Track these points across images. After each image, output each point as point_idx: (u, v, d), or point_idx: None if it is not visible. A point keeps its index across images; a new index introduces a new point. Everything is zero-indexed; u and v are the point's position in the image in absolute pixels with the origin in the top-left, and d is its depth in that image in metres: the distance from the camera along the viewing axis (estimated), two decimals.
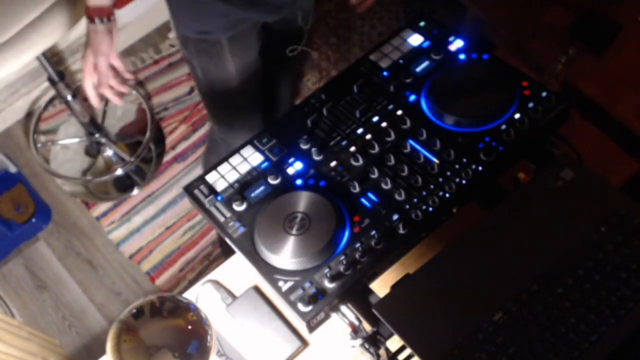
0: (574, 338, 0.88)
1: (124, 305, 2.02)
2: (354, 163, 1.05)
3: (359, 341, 0.96)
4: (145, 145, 2.23)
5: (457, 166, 1.02)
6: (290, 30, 1.42)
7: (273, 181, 1.05)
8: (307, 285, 0.95)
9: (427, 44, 1.18)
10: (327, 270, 0.95)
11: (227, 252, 1.84)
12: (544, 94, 1.06)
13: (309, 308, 0.93)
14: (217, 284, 1.14)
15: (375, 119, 1.10)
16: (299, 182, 1.05)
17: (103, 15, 1.26)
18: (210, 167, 1.09)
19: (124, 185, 2.26)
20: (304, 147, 1.09)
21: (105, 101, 2.37)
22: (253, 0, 1.28)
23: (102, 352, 0.97)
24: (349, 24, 2.45)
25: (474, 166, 1.01)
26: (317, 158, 1.07)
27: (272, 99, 1.87)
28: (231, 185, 1.07)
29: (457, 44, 1.16)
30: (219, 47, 1.36)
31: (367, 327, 0.96)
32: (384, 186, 1.02)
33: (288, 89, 1.88)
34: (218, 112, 1.61)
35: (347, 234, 0.98)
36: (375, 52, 1.19)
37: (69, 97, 2.03)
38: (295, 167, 1.07)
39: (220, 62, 1.40)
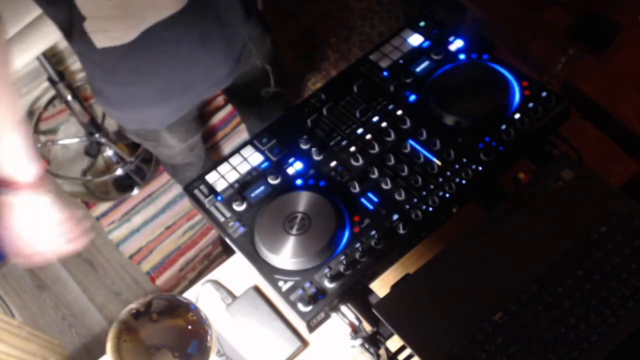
0: (574, 338, 0.88)
1: (124, 305, 2.01)
2: (354, 163, 1.05)
3: (359, 341, 0.96)
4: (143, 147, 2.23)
5: (457, 166, 1.02)
6: (255, 77, 1.35)
7: (273, 181, 1.05)
8: (307, 285, 0.95)
9: (427, 44, 1.18)
10: (327, 270, 0.95)
11: (228, 251, 1.84)
12: (544, 94, 1.06)
13: (309, 308, 0.93)
14: (217, 284, 1.14)
15: (375, 119, 1.10)
16: (299, 182, 1.05)
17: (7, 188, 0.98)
18: (210, 167, 1.09)
19: (124, 185, 2.26)
20: (304, 147, 1.09)
21: None
22: (186, 89, 1.22)
23: (102, 352, 0.97)
24: (349, 24, 2.45)
25: (474, 166, 1.01)
26: (317, 158, 1.07)
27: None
28: (231, 185, 1.07)
29: (457, 44, 1.16)
30: (163, 140, 1.35)
31: (367, 327, 0.96)
32: (384, 186, 1.02)
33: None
34: (159, 155, 1.54)
35: (347, 234, 0.98)
36: (375, 52, 1.19)
37: (69, 97, 2.03)
38: (295, 167, 1.07)
39: (160, 140, 1.38)
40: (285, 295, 0.95)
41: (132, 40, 1.06)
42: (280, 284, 0.96)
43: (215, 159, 2.17)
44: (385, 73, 1.15)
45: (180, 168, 1.60)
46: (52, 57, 2.30)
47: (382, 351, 0.96)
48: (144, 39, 1.06)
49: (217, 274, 1.16)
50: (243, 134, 2.30)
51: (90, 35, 1.05)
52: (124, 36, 1.05)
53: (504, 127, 1.04)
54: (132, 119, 1.28)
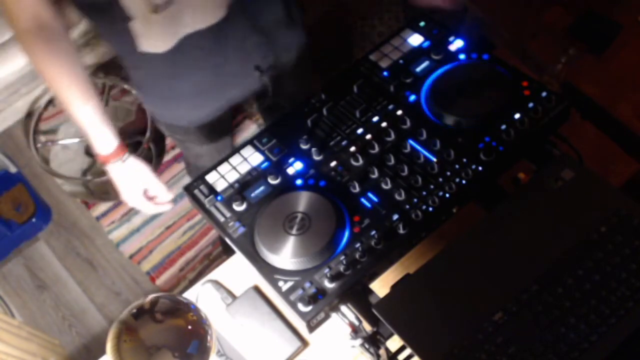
0: (574, 338, 0.88)
1: (124, 305, 2.02)
2: (354, 163, 1.05)
3: (359, 341, 0.96)
4: (145, 145, 2.23)
5: (457, 166, 1.02)
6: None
7: (273, 181, 1.05)
8: (307, 285, 0.95)
9: (427, 44, 1.18)
10: (327, 270, 0.95)
11: (228, 251, 1.84)
12: (544, 94, 1.06)
13: (309, 308, 0.93)
14: (217, 284, 1.14)
15: (375, 119, 1.10)
16: (299, 182, 1.05)
17: (115, 159, 1.19)
18: (210, 167, 1.09)
19: None
20: (304, 147, 1.09)
21: (105, 101, 2.37)
22: (218, 95, 1.26)
23: (102, 352, 0.97)
24: (349, 24, 2.45)
25: (474, 166, 1.01)
26: (317, 158, 1.07)
27: None
28: (231, 185, 1.07)
29: (457, 44, 1.16)
30: (193, 135, 1.38)
31: (367, 327, 0.96)
32: (384, 186, 1.02)
33: None
34: (187, 153, 1.58)
35: (347, 234, 0.98)
36: (375, 52, 1.19)
37: None
38: (295, 167, 1.07)
39: (193, 143, 1.42)
40: (285, 295, 0.95)
41: (169, 48, 1.09)
42: (280, 284, 0.96)
43: None
44: (385, 73, 1.15)
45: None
46: None
47: (382, 351, 0.96)
48: (180, 46, 1.09)
49: (217, 274, 1.16)
50: (244, 134, 2.30)
51: (134, 36, 1.07)
52: (163, 44, 1.08)
53: (504, 127, 1.04)
54: (165, 114, 1.32)
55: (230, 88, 1.25)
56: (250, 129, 2.31)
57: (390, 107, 1.11)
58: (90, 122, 1.14)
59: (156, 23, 1.04)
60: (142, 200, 1.26)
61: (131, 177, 1.23)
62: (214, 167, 1.09)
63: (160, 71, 1.16)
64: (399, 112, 1.10)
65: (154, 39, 1.07)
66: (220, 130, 1.41)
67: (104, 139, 1.17)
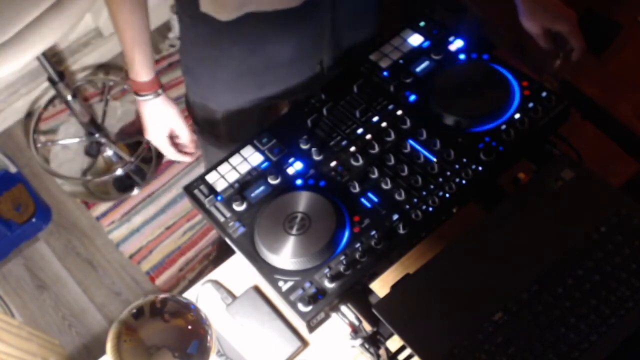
0: (574, 338, 0.88)
1: (124, 305, 2.02)
2: (354, 163, 1.05)
3: (359, 341, 0.96)
4: (145, 145, 2.23)
5: (457, 166, 1.02)
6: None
7: (273, 181, 1.05)
8: (307, 285, 0.95)
9: (427, 44, 1.18)
10: (327, 270, 0.95)
11: (225, 254, 1.83)
12: (544, 94, 1.06)
13: (309, 308, 0.93)
14: (217, 284, 1.14)
15: (375, 119, 1.10)
16: (299, 182, 1.05)
17: (150, 90, 1.21)
18: (210, 167, 1.09)
19: (124, 185, 2.26)
20: (304, 147, 1.09)
21: (105, 101, 2.37)
22: (258, 87, 1.26)
23: (102, 352, 0.97)
24: None
25: (474, 166, 1.01)
26: (317, 158, 1.07)
27: None
28: (231, 185, 1.07)
29: (457, 44, 1.16)
30: (214, 121, 1.37)
31: (367, 327, 0.96)
32: (384, 186, 1.02)
33: None
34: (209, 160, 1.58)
35: (347, 234, 0.98)
36: (375, 52, 1.19)
37: (69, 97, 2.03)
38: (295, 167, 1.07)
39: (214, 132, 1.41)
40: (285, 295, 0.95)
41: (231, 19, 1.09)
42: (280, 284, 0.96)
43: None
44: (385, 73, 1.15)
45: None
46: (52, 57, 2.30)
47: (382, 351, 0.96)
48: (240, 20, 1.09)
49: (217, 274, 1.16)
50: None
51: None
52: (225, 12, 1.08)
53: (504, 127, 1.04)
54: (207, 94, 1.32)
55: (272, 84, 1.24)
56: None
57: (390, 107, 1.11)
58: (140, 39, 1.14)
59: None
60: (166, 142, 1.27)
61: (160, 114, 1.23)
62: (214, 167, 1.09)
63: (216, 40, 1.16)
64: (399, 112, 1.10)
65: (218, 3, 1.07)
66: (247, 130, 1.38)
67: (147, 63, 1.17)
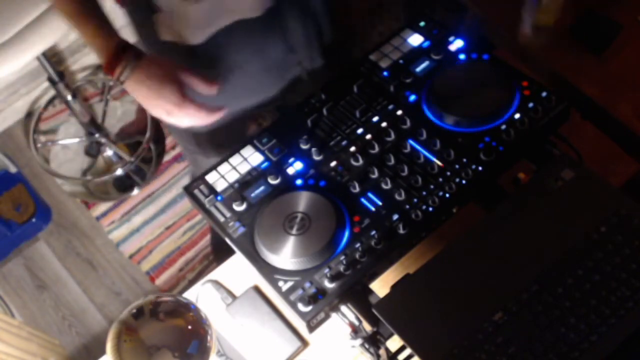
0: (574, 338, 0.88)
1: (124, 305, 2.02)
2: (354, 163, 1.05)
3: (359, 341, 0.96)
4: (145, 145, 2.23)
5: (457, 166, 1.02)
6: None
7: (273, 181, 1.05)
8: (307, 285, 0.95)
9: (427, 44, 1.18)
10: (327, 270, 0.95)
11: (220, 257, 1.83)
12: (544, 94, 1.06)
13: (309, 308, 0.93)
14: (217, 284, 1.14)
15: (375, 119, 1.10)
16: (299, 182, 1.05)
17: (117, 70, 1.01)
18: (210, 167, 1.09)
19: (124, 185, 2.26)
20: (304, 147, 1.09)
21: (105, 101, 2.37)
22: (231, 102, 1.16)
23: (102, 352, 0.97)
24: (349, 24, 2.45)
25: (474, 166, 1.01)
26: (317, 158, 1.07)
27: None
28: (231, 185, 1.07)
29: (457, 44, 1.16)
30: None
31: (367, 327, 0.96)
32: (384, 186, 1.02)
33: None
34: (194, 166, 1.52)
35: (347, 234, 0.98)
36: (375, 52, 1.19)
37: (69, 97, 2.03)
38: (295, 167, 1.07)
39: (200, 156, 1.39)
40: (285, 295, 0.95)
41: (198, 43, 1.05)
42: (280, 284, 0.96)
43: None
44: (385, 73, 1.15)
45: None
46: (52, 57, 2.30)
47: (382, 351, 0.96)
48: (207, 44, 1.06)
49: (217, 274, 1.16)
50: None
51: (158, 27, 1.05)
52: (193, 37, 1.04)
53: (504, 127, 1.04)
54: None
55: (246, 97, 1.21)
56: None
57: (390, 107, 1.11)
58: (98, 26, 1.00)
59: (194, 12, 0.99)
60: (185, 105, 1.02)
61: (155, 79, 1.00)
62: (214, 167, 1.09)
63: (185, 63, 1.06)
64: (399, 112, 1.10)
65: (182, 30, 1.03)
66: (233, 140, 1.35)
67: (108, 44, 1.00)
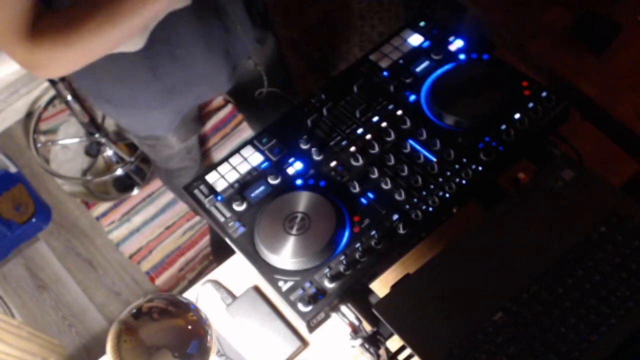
0: (574, 338, 0.88)
1: (124, 305, 2.02)
2: (354, 163, 1.05)
3: (359, 341, 0.96)
4: None
5: (457, 166, 1.02)
6: (251, 77, 1.32)
7: (273, 181, 1.05)
8: (307, 285, 0.95)
9: (427, 44, 1.18)
10: (327, 270, 0.95)
11: (220, 257, 1.83)
12: (544, 94, 1.06)
13: (309, 308, 0.93)
14: (217, 284, 1.14)
15: (375, 119, 1.10)
16: (299, 182, 1.05)
17: None
18: (210, 167, 1.09)
19: (124, 185, 2.26)
20: (304, 147, 1.09)
21: None
22: (186, 92, 1.21)
23: (102, 352, 0.97)
24: (349, 24, 2.45)
25: (474, 166, 1.01)
26: (317, 158, 1.07)
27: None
28: (231, 185, 1.07)
29: (457, 44, 1.16)
30: (164, 140, 1.36)
31: (367, 327, 0.96)
32: (384, 186, 1.02)
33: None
34: (155, 157, 1.54)
35: (347, 234, 0.98)
36: (375, 52, 1.19)
37: (69, 97, 2.03)
38: (295, 167, 1.07)
39: (161, 140, 1.39)
40: (285, 295, 0.95)
41: (141, 48, 1.04)
42: (280, 284, 0.96)
43: (214, 159, 2.18)
44: (385, 73, 1.15)
45: (175, 173, 1.60)
46: None
47: (382, 351, 0.96)
48: (151, 44, 1.04)
49: (217, 274, 1.16)
50: (243, 134, 2.30)
51: None
52: (135, 44, 1.03)
53: (504, 127, 1.04)
54: (139, 125, 1.30)
55: (199, 84, 1.21)
56: (248, 130, 2.31)
57: (390, 107, 1.11)
58: None
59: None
60: None
61: None
62: (214, 167, 1.09)
63: (133, 74, 1.11)
64: (399, 112, 1.10)
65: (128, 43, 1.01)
66: (192, 128, 1.40)
67: None
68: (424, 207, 0.99)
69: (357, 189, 1.02)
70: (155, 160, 1.58)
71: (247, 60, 1.26)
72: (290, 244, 0.97)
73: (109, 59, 1.01)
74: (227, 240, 1.02)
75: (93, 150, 2.30)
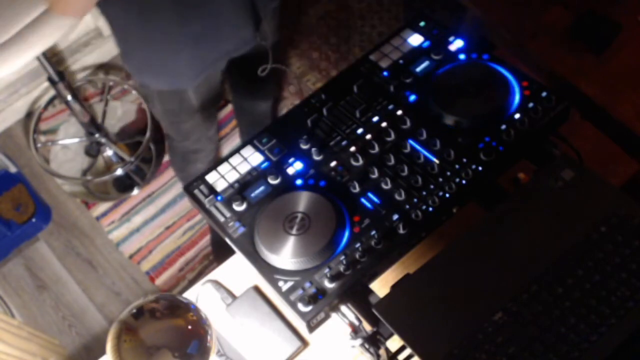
0: (574, 338, 0.88)
1: (124, 305, 2.02)
2: (354, 163, 1.05)
3: (359, 341, 0.96)
4: (145, 145, 2.23)
5: (457, 166, 1.02)
6: (256, 53, 1.37)
7: (273, 181, 1.05)
8: (307, 285, 0.95)
9: (427, 44, 1.18)
10: (327, 270, 0.95)
11: (220, 257, 1.83)
12: (544, 94, 1.06)
13: (309, 308, 0.93)
14: (217, 284, 1.14)
15: (375, 119, 1.10)
16: (299, 182, 1.05)
17: None
18: (210, 167, 1.09)
19: (124, 185, 2.26)
20: (304, 147, 1.09)
21: (105, 101, 2.37)
22: (216, 45, 1.27)
23: (102, 352, 0.97)
24: (349, 24, 2.45)
25: (474, 166, 1.01)
26: (317, 158, 1.07)
27: (251, 120, 1.88)
28: (231, 185, 1.07)
29: (457, 44, 1.16)
30: (184, 95, 1.38)
31: (367, 327, 0.96)
32: (384, 186, 1.02)
33: (268, 109, 1.89)
34: (176, 131, 1.59)
35: (347, 234, 0.98)
36: (375, 52, 1.19)
37: (69, 97, 2.03)
38: (295, 167, 1.07)
39: (183, 104, 1.41)
40: (285, 295, 0.95)
41: None
42: (280, 284, 0.96)
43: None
44: (385, 73, 1.15)
45: (191, 157, 1.60)
46: (52, 57, 2.30)
47: (382, 351, 0.96)
48: None
49: (217, 274, 1.16)
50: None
51: None
52: None
53: (504, 127, 1.04)
54: (162, 78, 1.32)
55: (228, 38, 1.26)
56: None
57: (390, 107, 1.11)
58: None
59: None
60: None
61: None
62: (214, 167, 1.09)
63: (159, 19, 1.16)
64: (399, 112, 1.10)
65: None
66: (213, 92, 1.42)
67: None
68: (424, 207, 0.99)
69: (357, 189, 1.02)
70: (173, 140, 1.59)
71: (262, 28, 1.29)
72: (290, 244, 0.97)
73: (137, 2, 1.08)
74: (227, 240, 1.02)
75: (93, 150, 2.29)
